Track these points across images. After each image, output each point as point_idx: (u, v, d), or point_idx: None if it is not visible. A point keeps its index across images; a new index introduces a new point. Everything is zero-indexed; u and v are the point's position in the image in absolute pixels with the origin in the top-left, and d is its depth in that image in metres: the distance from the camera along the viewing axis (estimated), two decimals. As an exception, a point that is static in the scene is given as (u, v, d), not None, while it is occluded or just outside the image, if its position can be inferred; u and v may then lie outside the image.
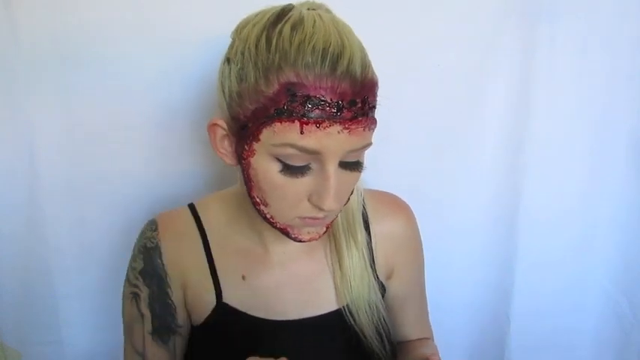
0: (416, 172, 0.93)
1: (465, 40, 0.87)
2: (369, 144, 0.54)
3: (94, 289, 0.91)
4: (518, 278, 0.99)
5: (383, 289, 0.71)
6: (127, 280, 0.68)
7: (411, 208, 0.74)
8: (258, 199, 0.57)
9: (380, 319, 0.67)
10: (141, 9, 0.79)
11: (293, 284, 0.67)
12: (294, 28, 0.50)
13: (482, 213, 0.98)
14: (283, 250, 0.67)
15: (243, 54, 0.52)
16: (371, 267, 0.68)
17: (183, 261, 0.67)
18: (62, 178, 0.84)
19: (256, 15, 0.55)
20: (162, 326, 0.67)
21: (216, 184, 0.87)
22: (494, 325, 1.03)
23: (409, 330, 0.77)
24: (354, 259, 0.66)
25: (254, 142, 0.52)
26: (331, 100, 0.49)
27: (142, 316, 0.66)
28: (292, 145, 0.50)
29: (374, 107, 0.53)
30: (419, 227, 0.74)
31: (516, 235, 0.97)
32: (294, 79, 0.49)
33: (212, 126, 0.57)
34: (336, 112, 0.49)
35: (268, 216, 0.57)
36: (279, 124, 0.50)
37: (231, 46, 0.55)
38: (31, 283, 0.89)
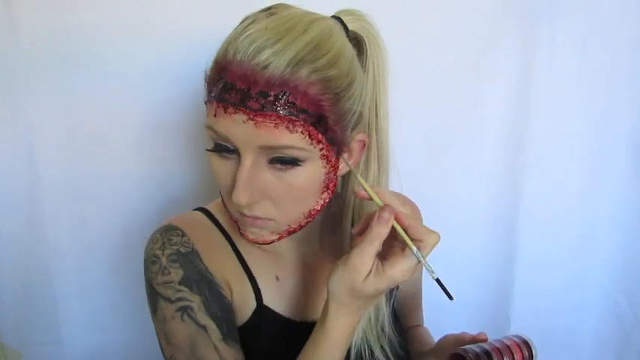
0: (415, 172, 0.92)
1: (465, 40, 0.88)
2: (291, 146, 0.50)
3: (94, 289, 0.91)
4: (518, 278, 1.00)
5: (394, 288, 0.72)
6: (162, 298, 0.58)
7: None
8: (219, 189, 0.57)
9: (387, 323, 0.66)
10: (141, 9, 0.79)
11: (318, 284, 0.66)
12: (253, 21, 0.51)
13: (482, 213, 0.98)
14: (303, 250, 0.66)
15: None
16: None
17: (220, 264, 0.62)
18: (62, 178, 0.84)
19: None
20: (231, 328, 0.60)
21: (216, 185, 0.87)
22: (494, 325, 1.03)
23: (409, 320, 0.81)
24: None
25: (204, 125, 0.54)
26: (239, 87, 0.48)
27: (204, 327, 0.57)
28: (209, 127, 0.52)
29: (302, 109, 0.49)
30: None
31: (516, 235, 0.98)
32: (223, 64, 0.50)
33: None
34: (241, 100, 0.48)
35: (223, 203, 0.58)
36: (209, 105, 0.52)
37: None
38: (31, 283, 0.89)
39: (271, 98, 0.48)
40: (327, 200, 0.56)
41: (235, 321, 0.61)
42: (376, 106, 0.59)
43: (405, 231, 0.53)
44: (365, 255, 0.51)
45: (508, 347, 0.61)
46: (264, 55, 0.47)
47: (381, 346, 0.65)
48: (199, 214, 0.65)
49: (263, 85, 0.48)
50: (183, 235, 0.61)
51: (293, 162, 0.51)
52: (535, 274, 0.99)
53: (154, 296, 0.59)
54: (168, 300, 0.58)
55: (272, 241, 0.57)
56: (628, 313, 1.02)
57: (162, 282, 0.58)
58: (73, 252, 0.88)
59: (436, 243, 0.54)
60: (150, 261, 0.60)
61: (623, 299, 1.02)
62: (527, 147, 0.93)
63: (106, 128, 0.84)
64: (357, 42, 0.58)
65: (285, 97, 0.48)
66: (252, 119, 0.48)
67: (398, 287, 0.73)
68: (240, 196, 0.51)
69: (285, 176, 0.52)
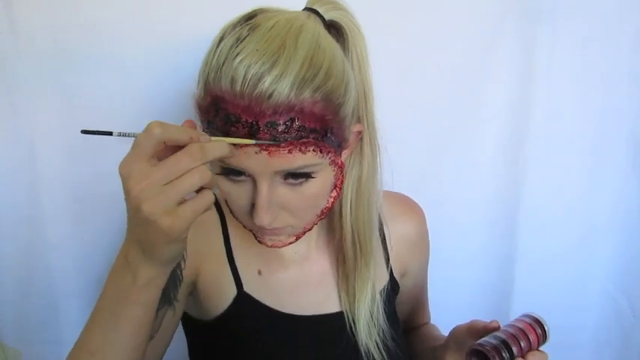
0: (415, 172, 0.93)
1: (465, 40, 0.88)
2: (311, 165, 0.50)
3: (94, 289, 0.91)
4: (518, 277, 1.00)
5: (397, 287, 0.72)
6: None
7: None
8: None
9: (379, 334, 0.66)
10: (141, 9, 0.79)
11: (307, 283, 0.67)
12: (238, 39, 0.48)
13: (481, 212, 0.98)
14: (295, 249, 0.67)
15: (203, 59, 0.51)
16: (386, 269, 0.69)
17: (203, 245, 0.64)
18: (62, 177, 0.84)
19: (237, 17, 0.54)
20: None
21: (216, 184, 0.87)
22: (494, 325, 1.03)
23: (415, 319, 0.82)
24: (362, 278, 0.65)
25: None
26: (246, 120, 0.47)
27: None
28: (219, 161, 0.50)
29: (312, 129, 0.49)
30: None
31: (516, 235, 0.98)
32: (218, 94, 0.48)
33: None
34: (249, 133, 0.47)
35: (235, 216, 0.58)
36: (210, 135, 0.49)
37: None
38: (31, 283, 0.89)
39: (281, 127, 0.47)
40: (336, 197, 0.58)
41: (172, 294, 0.61)
42: (364, 90, 0.59)
43: None
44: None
45: (522, 330, 0.60)
46: (266, 84, 0.46)
47: (375, 341, 0.66)
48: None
49: (270, 115, 0.46)
50: None
51: (307, 175, 0.51)
52: (535, 274, 1.00)
53: None
54: None
55: (290, 243, 0.58)
56: (628, 312, 1.02)
57: None
58: (73, 251, 0.88)
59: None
60: None
61: (623, 298, 1.02)
62: (527, 146, 0.93)
63: (105, 128, 0.83)
64: (337, 30, 0.57)
65: (294, 122, 0.47)
66: (265, 149, 0.47)
67: (399, 287, 0.73)
68: (264, 219, 0.51)
69: (300, 189, 0.52)
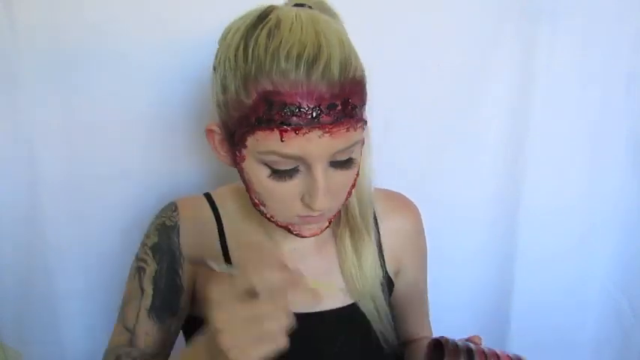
0: (415, 171, 0.93)
1: (465, 40, 0.88)
2: (358, 142, 0.54)
3: (94, 289, 0.91)
4: (518, 277, 1.00)
5: (391, 284, 0.72)
6: (136, 256, 0.67)
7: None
8: (257, 200, 0.58)
9: (387, 316, 0.68)
10: (141, 8, 0.79)
11: (305, 279, 0.66)
12: (269, 34, 0.50)
13: (481, 212, 0.98)
14: (294, 246, 0.67)
15: (225, 64, 0.52)
16: (380, 263, 0.69)
17: (199, 247, 0.66)
18: (62, 177, 0.84)
19: (240, 18, 0.55)
20: (164, 306, 0.65)
21: (216, 183, 0.87)
22: (494, 324, 1.03)
23: (412, 328, 0.79)
24: (370, 256, 0.67)
25: (243, 149, 0.53)
26: (308, 106, 0.48)
27: (142, 291, 0.64)
28: (275, 153, 0.51)
29: (359, 106, 0.52)
30: None
31: (516, 234, 0.98)
32: (270, 88, 0.48)
33: (208, 132, 0.58)
34: (314, 118, 0.49)
35: (268, 215, 0.58)
36: (260, 132, 0.50)
37: (217, 54, 0.56)
38: (31, 283, 0.89)
39: (340, 107, 0.49)
40: (355, 182, 0.60)
41: (175, 305, 0.65)
42: None
43: None
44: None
45: (497, 356, 0.56)
46: (319, 69, 0.48)
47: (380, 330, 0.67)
48: (202, 198, 0.70)
49: (329, 98, 0.49)
50: (175, 210, 0.67)
51: (350, 161, 0.55)
52: (535, 273, 1.00)
53: (139, 247, 0.68)
54: (137, 255, 0.67)
55: (325, 229, 0.60)
56: (628, 312, 1.02)
57: (143, 242, 0.67)
58: (74, 252, 0.88)
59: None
60: (151, 224, 0.69)
61: (622, 298, 1.02)
62: (527, 146, 0.93)
63: (106, 128, 0.84)
64: (328, 14, 0.59)
65: (348, 101, 0.50)
66: (328, 132, 0.49)
67: (394, 286, 0.73)
68: (324, 203, 0.53)
69: (345, 172, 0.55)
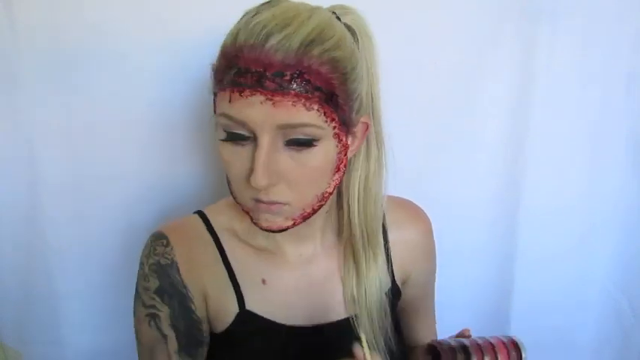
0: (415, 171, 0.93)
1: (465, 39, 0.88)
2: (311, 125, 0.51)
3: (94, 289, 0.91)
4: (518, 277, 1.00)
5: (399, 294, 0.72)
6: (140, 300, 0.64)
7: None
8: (226, 178, 0.58)
9: (387, 332, 0.67)
10: (142, 8, 0.79)
11: (311, 287, 0.67)
12: (257, 12, 0.52)
13: (481, 212, 0.98)
14: (299, 252, 0.67)
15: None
16: (387, 273, 0.69)
17: (201, 272, 0.64)
18: (62, 178, 0.84)
19: None
20: (191, 343, 0.64)
21: (217, 184, 0.87)
22: (494, 324, 1.03)
23: (420, 334, 0.79)
24: (371, 272, 0.66)
25: (215, 117, 0.55)
26: (255, 69, 0.49)
27: (165, 337, 0.63)
28: (224, 114, 0.52)
29: (321, 88, 0.51)
30: None
31: (516, 234, 0.98)
32: (232, 52, 0.51)
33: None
34: (257, 81, 0.49)
35: (234, 195, 0.59)
36: (221, 93, 0.52)
37: None
38: (31, 283, 0.89)
39: (287, 77, 0.49)
40: (338, 182, 0.58)
41: (200, 337, 0.65)
42: (372, 94, 0.61)
43: None
44: None
45: (492, 345, 0.56)
46: (277, 38, 0.49)
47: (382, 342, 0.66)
48: (194, 218, 0.68)
49: (278, 66, 0.49)
50: (167, 244, 0.64)
51: (309, 143, 0.52)
52: (535, 273, 1.00)
53: (136, 295, 0.65)
54: (143, 304, 0.64)
55: (287, 228, 0.57)
56: (628, 312, 1.02)
57: (142, 287, 0.64)
58: (74, 252, 0.88)
59: None
60: (140, 265, 0.65)
61: (623, 298, 1.03)
62: (527, 146, 0.93)
63: (106, 128, 0.84)
64: (351, 34, 0.59)
65: (300, 75, 0.50)
66: (270, 99, 0.49)
67: (401, 294, 0.73)
68: (260, 179, 0.52)
69: (301, 157, 0.53)
